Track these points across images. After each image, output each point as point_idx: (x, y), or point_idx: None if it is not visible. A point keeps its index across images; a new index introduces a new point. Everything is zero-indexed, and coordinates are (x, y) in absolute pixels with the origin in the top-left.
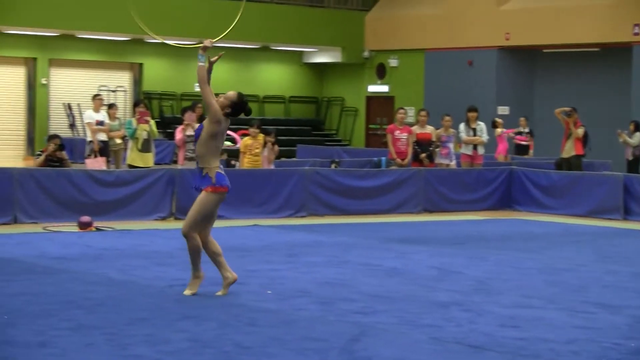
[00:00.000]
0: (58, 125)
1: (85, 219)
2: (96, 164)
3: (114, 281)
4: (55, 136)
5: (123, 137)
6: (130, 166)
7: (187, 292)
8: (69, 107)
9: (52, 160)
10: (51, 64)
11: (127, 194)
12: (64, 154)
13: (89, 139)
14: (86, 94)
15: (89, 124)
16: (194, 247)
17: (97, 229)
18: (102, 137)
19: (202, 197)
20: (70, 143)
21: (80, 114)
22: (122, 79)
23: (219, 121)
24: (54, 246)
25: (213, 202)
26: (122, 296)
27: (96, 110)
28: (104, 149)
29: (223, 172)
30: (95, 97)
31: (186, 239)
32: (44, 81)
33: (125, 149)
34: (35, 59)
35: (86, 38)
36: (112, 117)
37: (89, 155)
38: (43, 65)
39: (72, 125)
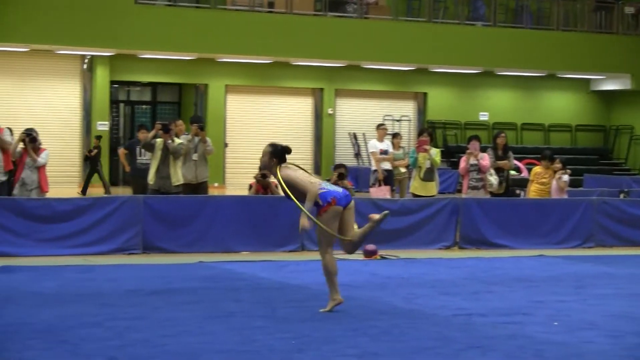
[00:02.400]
0: (344, 154)
1: (371, 247)
2: (380, 192)
3: (398, 309)
4: (341, 165)
5: (407, 166)
6: (414, 195)
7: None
8: (354, 136)
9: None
10: (337, 94)
11: (411, 223)
12: (346, 183)
13: (373, 168)
14: (371, 123)
15: (373, 153)
16: (326, 267)
17: (382, 257)
18: (387, 166)
19: (319, 221)
20: (355, 172)
21: (365, 143)
22: (406, 108)
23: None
24: (340, 273)
25: (327, 219)
26: (407, 325)
27: (380, 139)
28: (389, 178)
29: (326, 189)
30: (379, 127)
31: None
32: (330, 111)
33: (409, 178)
34: (322, 89)
35: (371, 68)
36: (396, 146)
37: (374, 184)
38: (329, 96)
39: (357, 155)
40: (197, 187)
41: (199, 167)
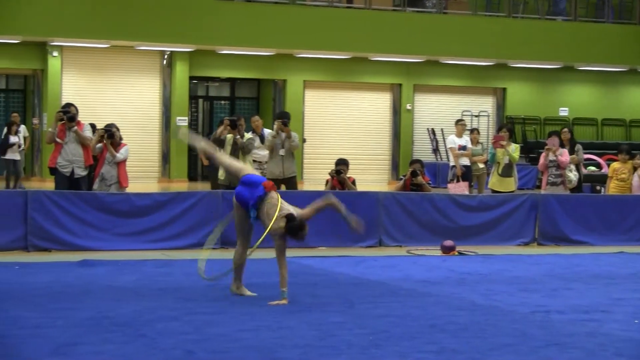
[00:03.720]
0: (422, 150)
1: (449, 243)
2: (459, 188)
3: (477, 306)
4: (417, 161)
5: (485, 162)
6: (492, 191)
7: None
8: (433, 132)
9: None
10: (416, 89)
11: (489, 219)
12: (420, 179)
13: (451, 163)
14: (449, 119)
15: (451, 148)
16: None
17: (460, 254)
18: (465, 161)
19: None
20: (433, 168)
21: (444, 138)
22: (485, 104)
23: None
24: (418, 269)
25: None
26: (485, 321)
27: (459, 135)
28: (467, 174)
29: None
30: (458, 122)
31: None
32: (408, 107)
33: (487, 174)
34: (400, 84)
35: (450, 63)
36: (474, 141)
37: (452, 179)
38: (408, 91)
39: (435, 150)
40: (285, 183)
41: (286, 163)
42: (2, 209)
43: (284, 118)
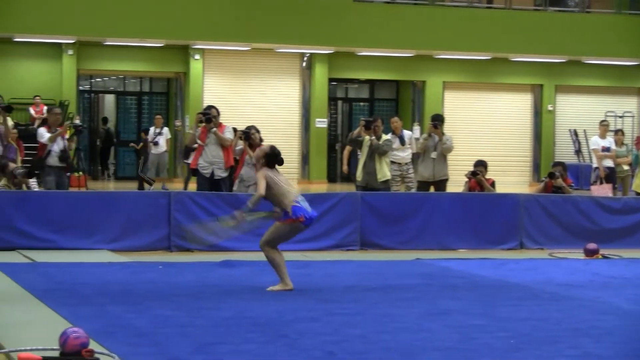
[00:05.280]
0: (563, 151)
1: (592, 246)
2: (602, 190)
3: (622, 310)
4: (560, 163)
5: (630, 164)
6: (637, 193)
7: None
8: (575, 133)
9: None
10: (557, 90)
11: (634, 222)
12: (559, 182)
13: (594, 165)
14: (592, 119)
15: (594, 150)
16: (269, 259)
17: (604, 257)
18: (609, 163)
19: (278, 225)
20: (575, 169)
21: (586, 140)
22: (629, 104)
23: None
24: (560, 272)
25: (286, 230)
26: (631, 326)
27: (602, 136)
28: (610, 176)
29: (300, 205)
30: (601, 123)
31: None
32: (549, 107)
33: (632, 176)
34: (541, 85)
35: (593, 63)
36: (619, 143)
37: (595, 181)
38: (549, 92)
39: (577, 152)
40: (434, 185)
41: (437, 165)
42: (148, 210)
43: (436, 120)
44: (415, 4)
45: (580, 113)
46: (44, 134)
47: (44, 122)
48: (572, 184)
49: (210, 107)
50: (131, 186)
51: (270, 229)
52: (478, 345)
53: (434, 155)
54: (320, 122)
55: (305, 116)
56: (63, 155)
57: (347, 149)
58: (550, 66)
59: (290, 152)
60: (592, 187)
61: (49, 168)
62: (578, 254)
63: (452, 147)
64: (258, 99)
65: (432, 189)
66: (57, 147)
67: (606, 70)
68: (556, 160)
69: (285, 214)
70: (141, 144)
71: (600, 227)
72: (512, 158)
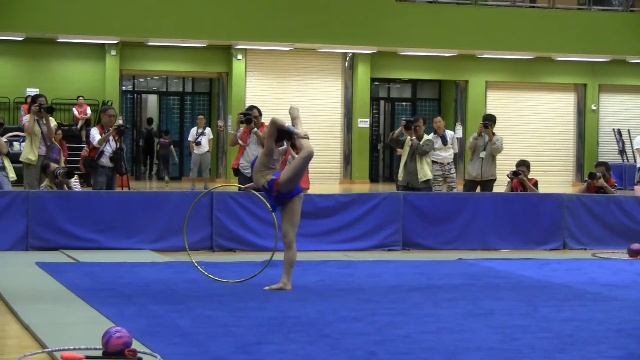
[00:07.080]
0: (607, 151)
1: (636, 246)
2: None
3: None
4: (603, 163)
5: None
6: None
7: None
8: (619, 132)
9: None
10: (601, 89)
11: None
12: (600, 182)
13: (638, 165)
14: (636, 119)
15: (638, 149)
16: (291, 257)
17: None
18: None
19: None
20: (619, 169)
21: (630, 139)
22: None
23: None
24: (604, 273)
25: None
26: None
27: None
28: None
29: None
30: None
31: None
32: (593, 107)
33: None
34: (585, 84)
35: (637, 63)
36: None
37: (639, 181)
38: (593, 91)
39: (621, 151)
40: (481, 185)
41: (485, 165)
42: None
43: (487, 120)
44: (458, 3)
45: (623, 112)
46: (95, 135)
47: (87, 123)
48: (616, 184)
49: (252, 107)
50: (175, 186)
51: (285, 219)
52: (520, 345)
53: (482, 154)
54: (363, 122)
55: (348, 116)
56: (115, 156)
57: (399, 151)
58: (593, 65)
59: (332, 152)
60: (636, 187)
61: (102, 168)
62: (621, 254)
63: (501, 148)
64: (300, 99)
65: (478, 189)
66: (109, 147)
67: None
68: (599, 160)
69: (270, 182)
70: (158, 145)
71: None
72: (555, 158)
